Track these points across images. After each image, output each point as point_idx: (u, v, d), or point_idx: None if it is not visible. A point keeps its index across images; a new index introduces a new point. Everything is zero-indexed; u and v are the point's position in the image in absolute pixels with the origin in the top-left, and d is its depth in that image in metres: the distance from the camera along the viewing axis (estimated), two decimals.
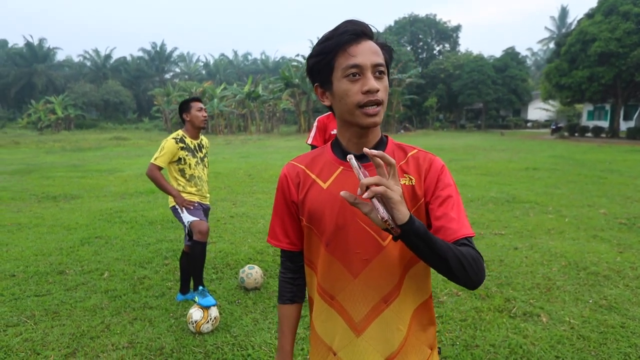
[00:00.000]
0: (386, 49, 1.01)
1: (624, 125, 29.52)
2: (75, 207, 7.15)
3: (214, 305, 3.04)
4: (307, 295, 1.21)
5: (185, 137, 3.29)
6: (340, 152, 1.07)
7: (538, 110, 44.61)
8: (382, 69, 0.98)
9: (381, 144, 1.07)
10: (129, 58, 66.57)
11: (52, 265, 4.29)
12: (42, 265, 4.27)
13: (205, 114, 3.29)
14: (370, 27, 1.00)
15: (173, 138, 3.22)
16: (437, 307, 3.32)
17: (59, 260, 4.42)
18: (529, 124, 45.51)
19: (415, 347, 1.08)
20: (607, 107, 31.67)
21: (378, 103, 0.97)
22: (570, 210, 6.53)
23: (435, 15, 48.61)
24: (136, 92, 63.34)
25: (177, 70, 73.64)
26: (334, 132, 3.33)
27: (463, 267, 0.89)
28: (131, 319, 3.19)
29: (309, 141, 3.43)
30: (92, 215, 6.51)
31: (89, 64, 64.31)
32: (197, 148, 3.35)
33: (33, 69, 57.33)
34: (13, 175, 11.49)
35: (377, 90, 0.95)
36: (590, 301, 3.38)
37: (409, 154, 1.08)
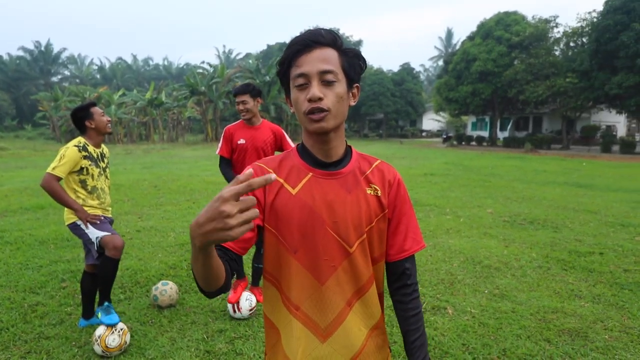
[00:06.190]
0: (348, 54, 1.03)
1: (500, 135, 33.78)
2: None
3: (117, 324, 2.82)
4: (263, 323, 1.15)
5: (88, 145, 3.01)
6: (309, 158, 1.08)
7: (431, 121, 48.99)
8: (329, 76, 0.99)
9: (348, 154, 1.12)
10: (5, 57, 58.67)
11: None
12: None
13: (109, 118, 3.07)
14: (332, 33, 1.02)
15: (75, 146, 2.92)
16: None
17: None
18: (423, 134, 49.73)
19: (376, 347, 1.13)
20: (487, 118, 35.92)
21: (322, 110, 0.99)
22: (464, 211, 7.26)
23: (338, 29, 50.79)
24: (15, 96, 55.98)
25: (67, 73, 66.82)
26: (241, 141, 3.41)
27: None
28: (23, 352, 2.80)
29: (218, 151, 3.56)
30: None
31: None
32: (99, 157, 3.08)
33: None
34: None
35: (319, 98, 0.98)
36: (486, 291, 3.80)
37: (374, 165, 1.14)
